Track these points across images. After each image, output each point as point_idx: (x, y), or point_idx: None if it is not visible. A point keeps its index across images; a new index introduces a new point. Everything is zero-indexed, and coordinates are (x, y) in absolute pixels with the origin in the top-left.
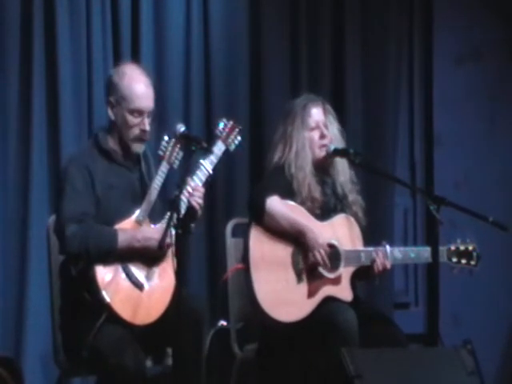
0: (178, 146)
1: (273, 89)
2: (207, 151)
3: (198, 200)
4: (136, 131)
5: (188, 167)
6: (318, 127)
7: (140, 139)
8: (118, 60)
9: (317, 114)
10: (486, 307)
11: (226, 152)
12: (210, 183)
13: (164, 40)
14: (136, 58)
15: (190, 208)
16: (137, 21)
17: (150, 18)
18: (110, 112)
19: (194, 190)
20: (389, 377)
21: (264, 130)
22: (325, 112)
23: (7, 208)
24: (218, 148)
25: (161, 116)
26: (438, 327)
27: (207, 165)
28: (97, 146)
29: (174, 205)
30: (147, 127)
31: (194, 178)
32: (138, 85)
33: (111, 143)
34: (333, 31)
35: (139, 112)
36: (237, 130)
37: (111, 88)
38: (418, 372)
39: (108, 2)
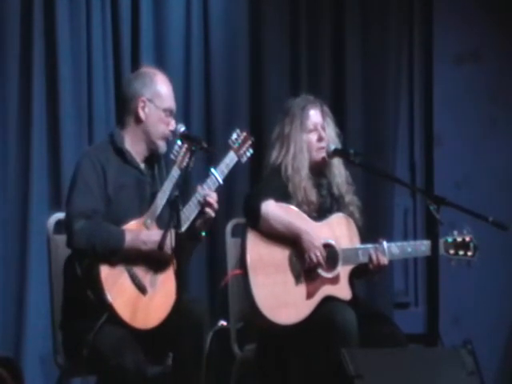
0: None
1: (273, 89)
2: (207, 151)
3: (214, 204)
4: (166, 130)
5: (187, 167)
6: (316, 129)
7: (167, 138)
8: (118, 60)
9: (315, 116)
10: (486, 307)
11: (238, 163)
12: (218, 192)
13: (164, 40)
14: (136, 57)
15: (203, 216)
16: (137, 21)
17: (149, 17)
18: (141, 112)
19: (208, 196)
20: (389, 377)
21: (264, 130)
22: (323, 114)
23: (7, 208)
24: (230, 159)
25: None
26: (438, 327)
27: (217, 174)
28: (112, 144)
29: (173, 205)
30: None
31: (204, 186)
32: (168, 86)
33: (127, 144)
34: (333, 31)
35: (171, 112)
36: (249, 141)
37: (142, 87)
38: (418, 372)
39: (108, 1)
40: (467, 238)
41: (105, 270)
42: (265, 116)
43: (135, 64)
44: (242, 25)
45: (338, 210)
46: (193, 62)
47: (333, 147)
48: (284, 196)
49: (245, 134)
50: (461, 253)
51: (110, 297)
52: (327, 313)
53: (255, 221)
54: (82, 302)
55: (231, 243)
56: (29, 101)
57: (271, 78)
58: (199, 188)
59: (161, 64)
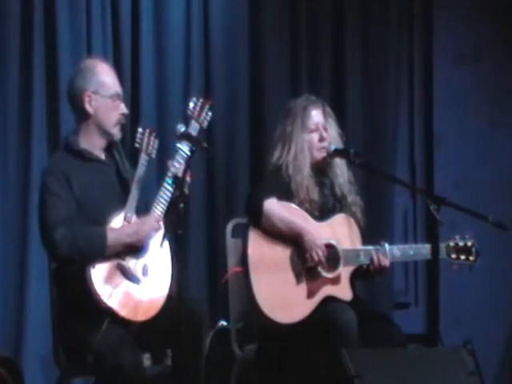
0: (153, 134)
1: (273, 89)
2: (207, 151)
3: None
4: (118, 116)
5: (187, 167)
6: (318, 129)
7: (120, 123)
8: (118, 59)
9: (316, 115)
10: (486, 307)
11: (201, 130)
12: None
13: (164, 39)
14: (136, 57)
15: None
16: (137, 20)
17: (149, 17)
18: (88, 107)
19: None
20: (389, 377)
21: (264, 129)
22: (324, 114)
23: (7, 208)
24: (193, 128)
25: (161, 115)
26: (438, 327)
27: (184, 147)
28: (69, 149)
29: (174, 206)
30: (126, 110)
31: (174, 163)
32: (110, 73)
33: (83, 143)
34: (333, 31)
35: (118, 96)
36: (207, 105)
37: (84, 82)
38: (418, 372)
39: (108, 2)
40: (469, 243)
41: (94, 273)
42: (265, 116)
43: (135, 64)
44: (242, 25)
45: (341, 210)
46: (193, 62)
47: (333, 147)
48: (286, 194)
49: (201, 99)
50: (462, 257)
51: (106, 300)
52: (328, 313)
53: (257, 219)
54: (79, 306)
55: (231, 243)
56: (29, 101)
57: (271, 78)
58: (170, 164)
59: (161, 63)
